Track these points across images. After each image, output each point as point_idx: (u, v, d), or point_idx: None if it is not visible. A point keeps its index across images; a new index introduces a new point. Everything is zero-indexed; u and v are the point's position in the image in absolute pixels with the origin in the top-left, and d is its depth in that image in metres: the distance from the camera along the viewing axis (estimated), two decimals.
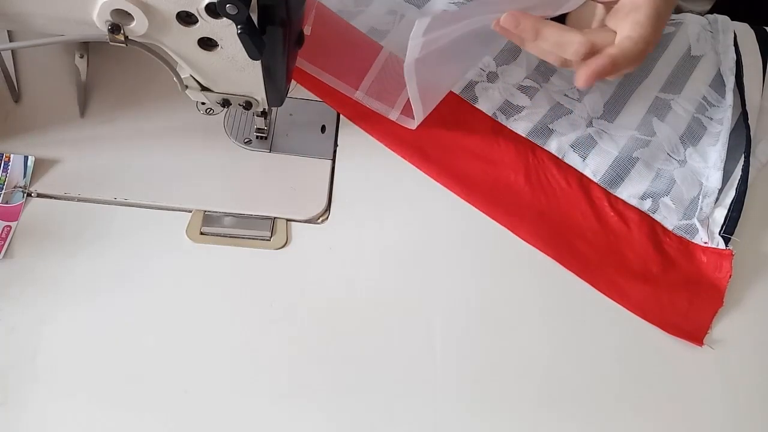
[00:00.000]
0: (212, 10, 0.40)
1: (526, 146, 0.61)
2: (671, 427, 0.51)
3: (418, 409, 0.49)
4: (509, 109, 0.63)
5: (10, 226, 0.52)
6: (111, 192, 0.54)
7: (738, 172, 0.62)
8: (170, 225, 0.54)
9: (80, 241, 0.52)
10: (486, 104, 0.63)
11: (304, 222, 0.56)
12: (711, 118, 0.66)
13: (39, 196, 0.53)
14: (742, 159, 0.62)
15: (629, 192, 0.61)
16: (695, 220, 0.59)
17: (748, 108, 0.65)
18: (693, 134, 0.65)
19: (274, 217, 0.55)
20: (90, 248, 0.52)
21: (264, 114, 0.56)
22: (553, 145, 0.62)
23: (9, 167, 0.54)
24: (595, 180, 0.61)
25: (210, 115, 0.60)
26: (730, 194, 0.61)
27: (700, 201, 0.61)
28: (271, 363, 0.50)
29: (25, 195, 0.53)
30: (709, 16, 0.73)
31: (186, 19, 0.42)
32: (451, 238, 0.57)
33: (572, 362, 0.53)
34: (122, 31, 0.41)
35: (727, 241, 0.58)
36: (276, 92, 0.50)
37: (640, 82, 0.67)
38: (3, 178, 0.53)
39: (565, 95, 0.66)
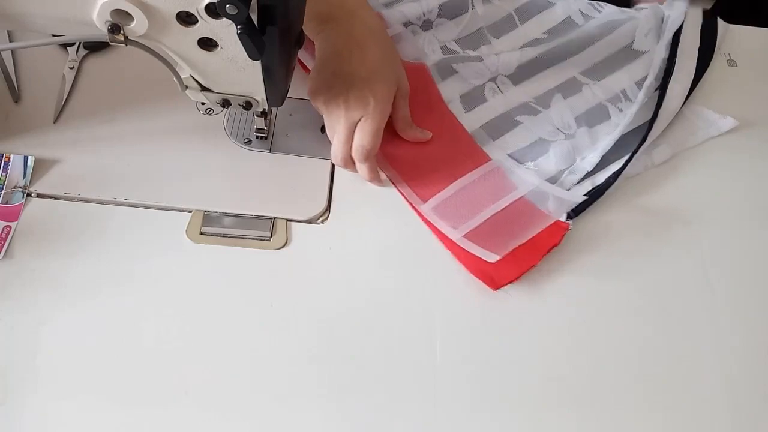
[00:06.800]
0: (212, 10, 0.40)
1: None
2: (674, 428, 0.52)
3: (417, 409, 0.49)
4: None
5: (10, 226, 0.52)
6: (111, 192, 0.54)
7: (614, 167, 0.61)
8: (170, 225, 0.54)
9: (80, 241, 0.52)
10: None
11: (304, 222, 0.56)
12: (621, 110, 0.65)
13: (39, 196, 0.53)
14: (627, 157, 0.61)
15: (500, 150, 0.62)
16: (550, 189, 0.59)
17: (661, 111, 0.64)
18: (592, 117, 0.65)
19: (274, 217, 0.55)
20: (90, 248, 0.52)
21: (264, 114, 0.56)
22: (445, 89, 0.64)
23: (9, 167, 0.54)
24: (469, 131, 0.62)
25: (210, 115, 0.60)
26: (596, 181, 0.60)
27: (563, 176, 0.61)
28: (271, 363, 0.50)
29: (25, 195, 0.53)
30: (673, 13, 0.71)
31: (186, 19, 0.42)
32: None
33: (573, 362, 0.53)
34: (122, 31, 0.41)
35: (569, 218, 0.58)
36: (276, 92, 0.50)
37: (564, 58, 0.68)
38: (3, 178, 0.53)
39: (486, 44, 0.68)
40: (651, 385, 0.52)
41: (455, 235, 0.56)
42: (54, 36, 0.48)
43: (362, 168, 0.57)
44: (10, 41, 0.59)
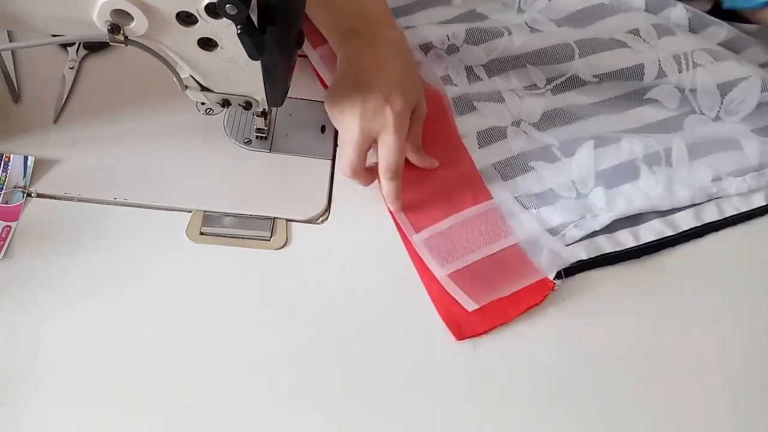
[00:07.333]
0: (212, 10, 0.40)
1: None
2: (674, 428, 0.52)
3: (417, 409, 0.49)
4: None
5: (10, 226, 0.52)
6: (111, 192, 0.54)
7: (626, 237, 0.57)
8: (170, 225, 0.54)
9: (80, 241, 0.52)
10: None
11: (304, 222, 0.56)
12: (654, 173, 0.59)
13: (39, 196, 0.53)
14: (650, 239, 0.57)
15: (506, 190, 0.58)
16: (547, 241, 0.55)
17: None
18: (616, 176, 0.59)
19: (274, 217, 0.55)
20: (90, 248, 0.52)
21: (264, 114, 0.56)
22: (462, 123, 0.61)
23: (9, 167, 0.54)
24: (479, 167, 0.59)
25: (210, 115, 0.60)
26: (601, 246, 0.56)
27: (567, 228, 0.56)
28: (271, 363, 0.50)
29: (25, 195, 0.53)
30: None
31: (186, 19, 0.42)
32: None
33: (572, 362, 0.53)
34: (122, 31, 0.41)
35: (558, 277, 0.54)
36: (276, 92, 0.50)
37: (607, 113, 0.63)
38: (3, 178, 0.53)
39: (511, 89, 0.64)
40: (651, 385, 0.52)
41: (441, 273, 0.53)
42: (54, 36, 0.48)
43: (389, 186, 0.54)
44: (10, 41, 0.59)
